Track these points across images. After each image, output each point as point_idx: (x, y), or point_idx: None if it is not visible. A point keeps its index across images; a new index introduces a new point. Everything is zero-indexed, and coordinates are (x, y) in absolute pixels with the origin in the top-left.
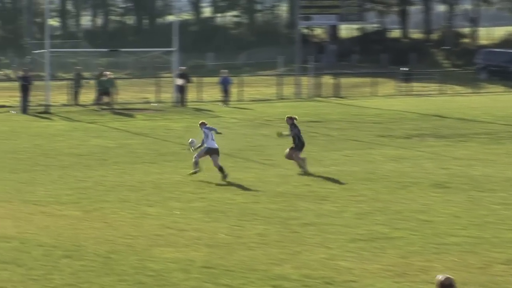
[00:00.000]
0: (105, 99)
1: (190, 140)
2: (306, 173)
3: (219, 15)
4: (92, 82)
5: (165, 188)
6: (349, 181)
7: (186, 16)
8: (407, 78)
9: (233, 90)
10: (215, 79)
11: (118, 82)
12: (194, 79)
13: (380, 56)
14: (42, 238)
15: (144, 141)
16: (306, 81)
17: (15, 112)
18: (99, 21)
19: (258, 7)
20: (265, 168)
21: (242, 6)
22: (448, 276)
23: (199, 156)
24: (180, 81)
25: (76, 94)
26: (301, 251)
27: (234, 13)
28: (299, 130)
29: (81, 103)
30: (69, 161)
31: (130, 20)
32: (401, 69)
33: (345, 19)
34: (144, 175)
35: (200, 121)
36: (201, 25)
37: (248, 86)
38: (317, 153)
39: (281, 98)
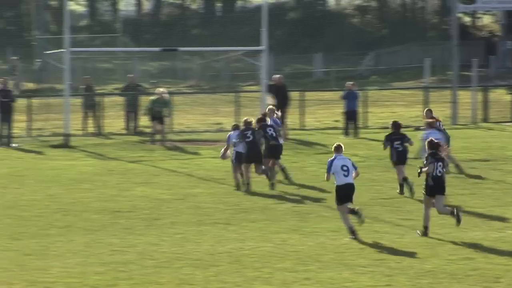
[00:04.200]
0: (157, 127)
1: None
2: None
3: None
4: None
5: (248, 264)
6: None
7: None
8: None
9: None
10: (328, 95)
11: (176, 99)
12: (294, 93)
13: None
14: None
15: (216, 191)
16: (468, 97)
17: (16, 145)
18: (147, 4)
19: None
20: (404, 232)
21: None
22: None
23: None
24: (271, 99)
25: (90, 118)
26: None
27: None
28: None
29: (112, 131)
30: (101, 221)
31: (194, 3)
32: None
33: None
34: (216, 243)
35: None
36: (304, 10)
37: (376, 106)
38: (485, 209)
39: None
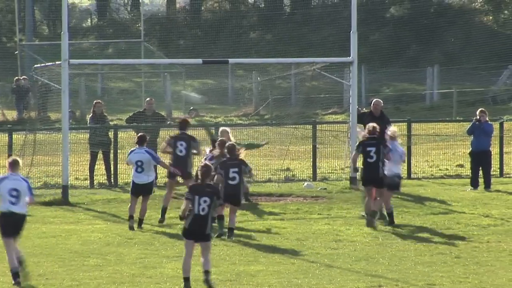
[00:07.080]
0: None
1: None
2: None
3: None
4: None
5: None
6: None
7: None
8: None
9: None
10: (447, 127)
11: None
12: (398, 125)
13: None
14: None
15: (283, 268)
16: None
17: None
18: None
19: None
20: None
21: None
22: None
23: None
24: (362, 132)
25: (100, 161)
26: None
27: None
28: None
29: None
30: None
31: None
32: None
33: None
34: None
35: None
36: (413, 5)
37: None
38: None
39: None
